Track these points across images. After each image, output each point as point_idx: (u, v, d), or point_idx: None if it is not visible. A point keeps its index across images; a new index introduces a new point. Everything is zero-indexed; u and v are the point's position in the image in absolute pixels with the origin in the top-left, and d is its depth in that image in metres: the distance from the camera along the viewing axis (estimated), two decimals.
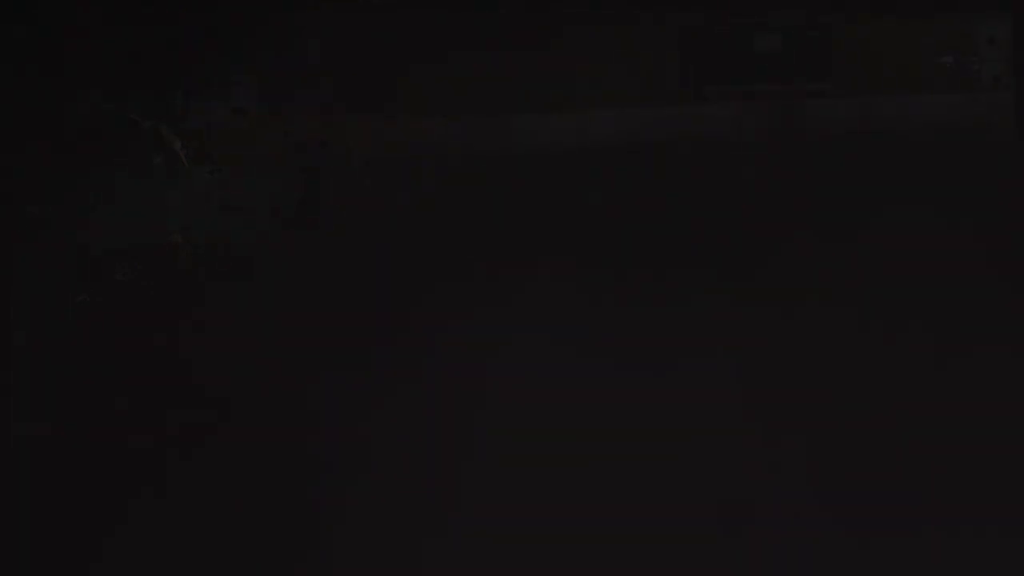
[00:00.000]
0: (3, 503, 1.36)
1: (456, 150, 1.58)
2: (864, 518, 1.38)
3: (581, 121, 1.56)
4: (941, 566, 1.31)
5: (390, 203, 1.52)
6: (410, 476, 1.51)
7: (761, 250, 1.70)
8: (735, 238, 1.70)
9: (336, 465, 1.52)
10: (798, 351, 1.61)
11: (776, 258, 1.70)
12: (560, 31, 1.62)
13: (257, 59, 1.52)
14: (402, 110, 1.57)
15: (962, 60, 1.57)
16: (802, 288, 1.66)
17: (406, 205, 1.53)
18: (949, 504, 1.38)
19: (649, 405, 1.52)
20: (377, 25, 1.58)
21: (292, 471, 1.47)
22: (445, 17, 1.57)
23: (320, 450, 1.52)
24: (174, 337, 1.42)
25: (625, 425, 1.49)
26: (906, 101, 1.60)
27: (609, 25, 1.61)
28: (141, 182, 1.45)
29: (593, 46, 1.62)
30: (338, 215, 1.51)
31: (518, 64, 1.61)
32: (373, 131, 1.55)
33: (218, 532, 1.41)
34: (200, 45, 1.48)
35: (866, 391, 1.54)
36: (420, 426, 1.53)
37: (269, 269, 1.52)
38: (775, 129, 1.59)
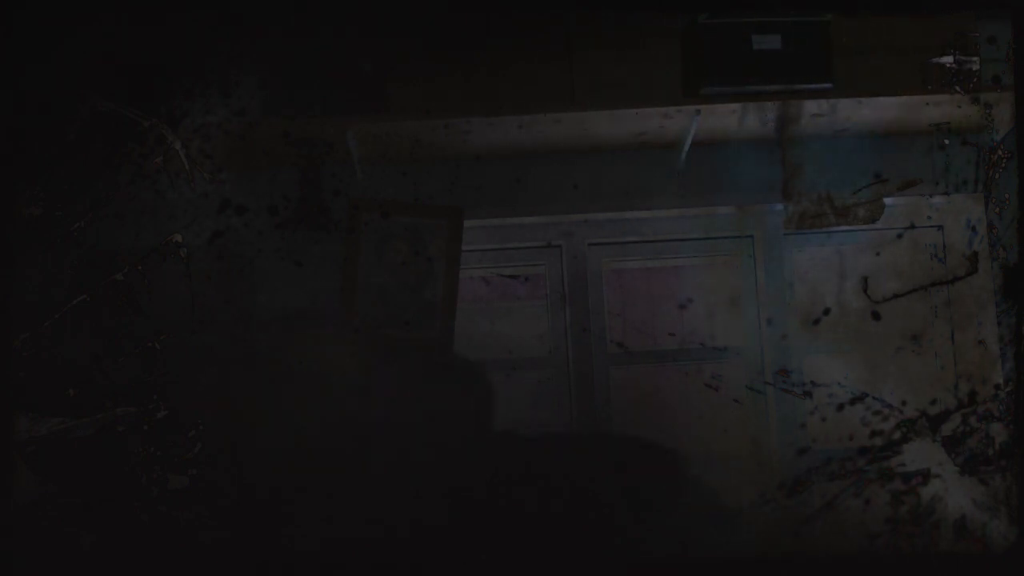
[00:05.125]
0: (3, 504, 1.36)
1: (455, 150, 1.59)
2: None
3: (580, 120, 1.57)
4: None
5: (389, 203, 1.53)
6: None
7: None
8: None
9: (337, 460, 1.53)
10: None
11: None
12: (559, 31, 1.63)
13: (257, 59, 1.53)
14: (402, 110, 1.58)
15: (962, 60, 1.58)
16: None
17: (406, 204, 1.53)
18: None
19: None
20: (377, 24, 1.58)
21: (292, 469, 1.48)
22: (444, 16, 1.57)
23: (320, 446, 1.52)
24: (173, 337, 1.43)
25: None
26: (905, 101, 1.61)
27: (608, 25, 1.62)
28: (141, 182, 1.45)
29: (592, 46, 1.63)
30: (338, 215, 1.51)
31: (517, 64, 1.61)
32: (373, 131, 1.56)
33: (217, 532, 1.41)
34: (200, 45, 1.48)
35: None
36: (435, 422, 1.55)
37: (269, 269, 1.52)
38: (775, 128, 1.60)
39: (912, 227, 1.55)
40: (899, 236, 1.55)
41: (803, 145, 1.59)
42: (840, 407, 1.48)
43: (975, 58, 1.55)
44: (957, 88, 1.55)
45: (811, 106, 1.56)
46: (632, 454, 1.45)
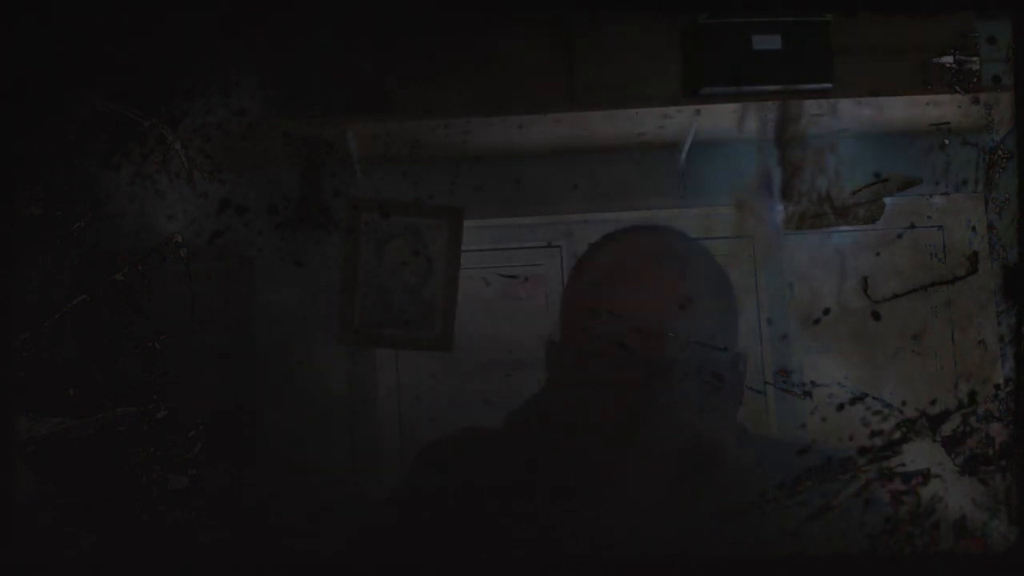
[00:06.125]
0: (4, 504, 1.36)
1: (455, 150, 1.59)
2: None
3: (580, 120, 1.57)
4: None
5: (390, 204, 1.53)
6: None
7: None
8: None
9: (337, 461, 1.53)
10: None
11: None
12: (559, 31, 1.63)
13: (257, 59, 1.53)
14: (402, 110, 1.58)
15: (962, 60, 1.58)
16: None
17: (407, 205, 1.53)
18: None
19: None
20: (377, 24, 1.58)
21: (292, 469, 1.48)
22: (444, 16, 1.57)
23: (322, 445, 1.52)
24: (173, 337, 1.43)
25: None
26: (905, 101, 1.61)
27: (608, 25, 1.62)
28: (141, 182, 1.45)
29: (592, 46, 1.63)
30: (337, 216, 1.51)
31: (517, 64, 1.62)
32: (373, 131, 1.56)
33: (217, 532, 1.41)
34: (200, 45, 1.48)
35: None
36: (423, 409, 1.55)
37: (269, 269, 1.52)
38: (775, 128, 1.60)
39: (912, 227, 1.55)
40: (899, 236, 1.55)
41: (803, 145, 1.59)
42: (840, 407, 1.48)
43: (975, 58, 1.55)
44: (957, 88, 1.55)
45: (811, 106, 1.56)
46: (631, 454, 1.44)
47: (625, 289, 1.33)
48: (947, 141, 1.52)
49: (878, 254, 1.54)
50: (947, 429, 1.43)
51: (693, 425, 1.33)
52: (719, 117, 1.56)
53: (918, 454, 1.43)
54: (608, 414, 1.31)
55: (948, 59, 1.55)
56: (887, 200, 1.54)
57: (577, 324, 1.34)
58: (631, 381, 1.30)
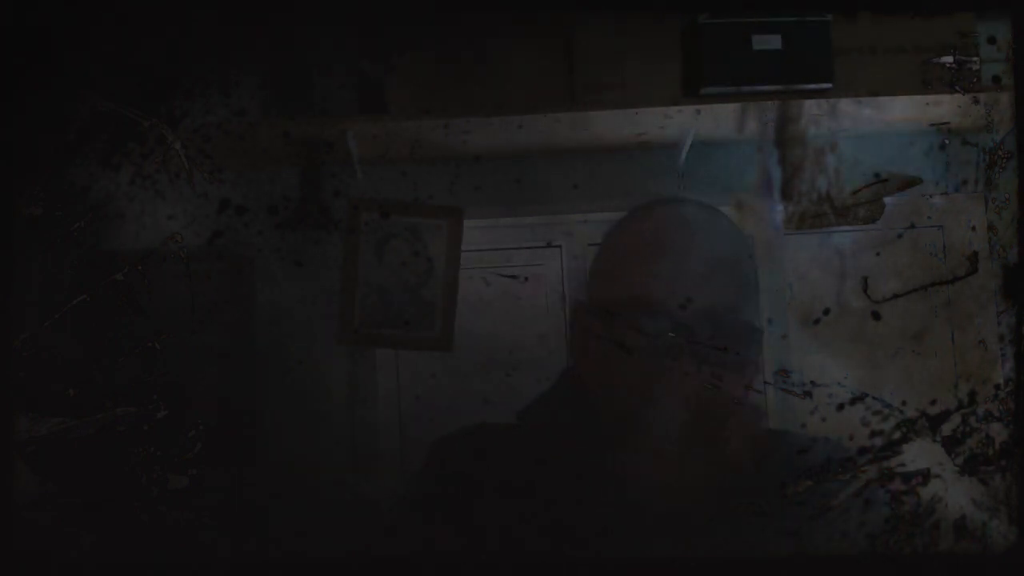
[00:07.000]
0: (4, 504, 1.36)
1: (455, 150, 1.59)
2: None
3: (580, 120, 1.57)
4: None
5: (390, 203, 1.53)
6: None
7: None
8: None
9: (341, 460, 1.53)
10: None
11: None
12: (559, 31, 1.63)
13: (257, 59, 1.53)
14: (402, 110, 1.58)
15: (962, 60, 1.58)
16: None
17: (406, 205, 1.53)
18: None
19: None
20: (377, 24, 1.59)
21: (292, 470, 1.48)
22: (444, 16, 1.57)
23: (322, 445, 1.52)
24: (173, 337, 1.43)
25: None
26: (905, 101, 1.61)
27: (608, 25, 1.62)
28: (141, 182, 1.45)
29: (592, 46, 1.63)
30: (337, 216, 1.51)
31: (517, 64, 1.62)
32: (373, 131, 1.56)
33: (217, 532, 1.41)
34: (200, 45, 1.48)
35: None
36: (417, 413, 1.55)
37: (269, 269, 1.52)
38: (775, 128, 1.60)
39: (912, 227, 1.55)
40: (899, 236, 1.55)
41: (803, 145, 1.59)
42: (840, 407, 1.48)
43: (975, 58, 1.55)
44: (957, 88, 1.55)
45: (811, 106, 1.56)
46: (647, 415, 1.44)
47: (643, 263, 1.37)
48: (947, 141, 1.52)
49: (878, 254, 1.54)
50: (947, 429, 1.43)
51: (703, 394, 1.34)
52: (719, 117, 1.56)
53: (918, 454, 1.43)
54: (629, 375, 1.33)
55: (948, 59, 1.55)
56: (887, 200, 1.54)
57: (601, 291, 1.38)
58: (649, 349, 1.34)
